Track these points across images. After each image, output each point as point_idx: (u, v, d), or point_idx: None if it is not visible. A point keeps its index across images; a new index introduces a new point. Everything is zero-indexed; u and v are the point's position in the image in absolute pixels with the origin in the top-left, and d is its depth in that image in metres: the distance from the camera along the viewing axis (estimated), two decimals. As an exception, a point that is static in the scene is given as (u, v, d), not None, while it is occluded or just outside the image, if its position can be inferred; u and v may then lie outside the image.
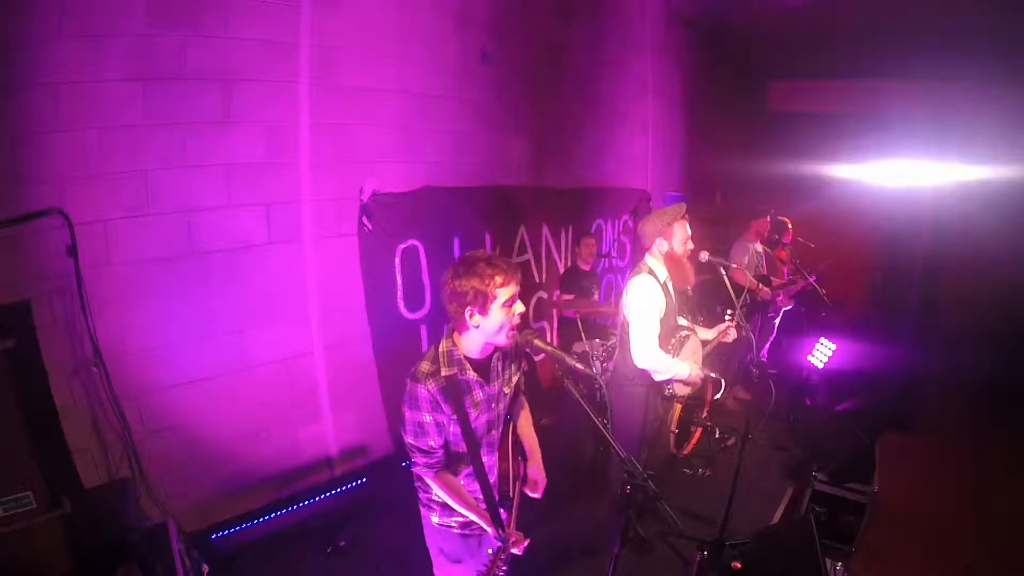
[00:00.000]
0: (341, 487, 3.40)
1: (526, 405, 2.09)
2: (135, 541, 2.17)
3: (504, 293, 1.63)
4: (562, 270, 5.05)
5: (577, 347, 4.18)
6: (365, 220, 3.48)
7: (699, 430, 4.14)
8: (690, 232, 2.77)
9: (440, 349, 1.73)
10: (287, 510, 3.18)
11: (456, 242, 4.08)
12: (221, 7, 2.78)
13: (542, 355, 4.65)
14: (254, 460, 3.16)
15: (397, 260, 3.69)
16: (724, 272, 2.91)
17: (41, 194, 2.36)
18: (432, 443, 1.73)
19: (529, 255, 4.86)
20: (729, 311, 3.08)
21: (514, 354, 1.89)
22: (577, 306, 4.33)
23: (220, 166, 2.90)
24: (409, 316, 3.80)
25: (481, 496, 1.80)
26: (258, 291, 3.11)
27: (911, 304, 7.47)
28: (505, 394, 1.87)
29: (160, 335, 2.78)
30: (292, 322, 3.29)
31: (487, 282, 1.61)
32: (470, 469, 1.80)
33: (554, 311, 5.10)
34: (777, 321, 5.48)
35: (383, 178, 3.56)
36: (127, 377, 2.64)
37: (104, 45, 2.45)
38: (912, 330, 7.03)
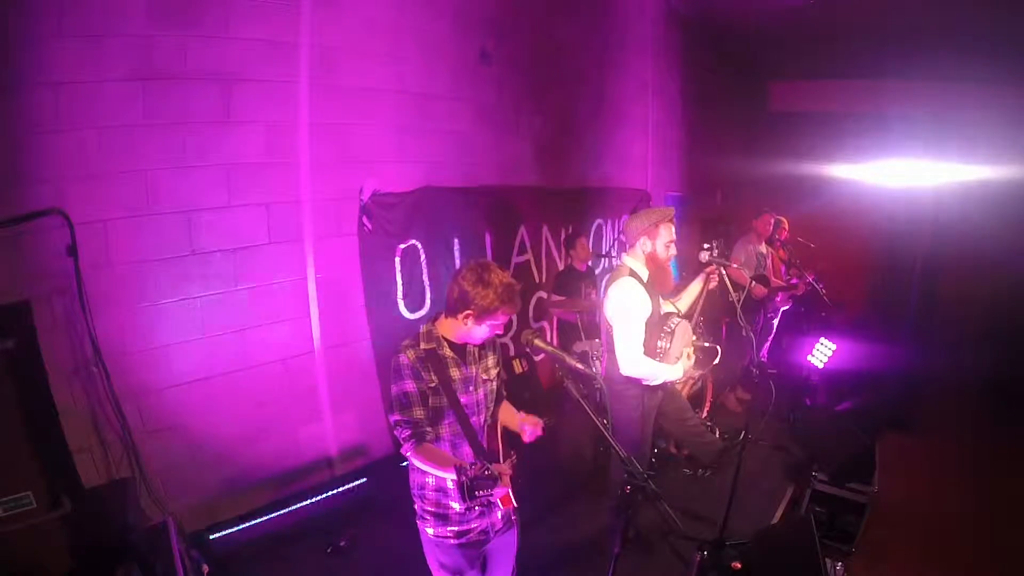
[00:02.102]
0: (341, 487, 3.40)
1: (505, 399, 2.08)
2: (135, 541, 2.17)
3: (500, 317, 1.76)
4: (562, 270, 5.04)
5: (577, 347, 4.17)
6: (365, 220, 3.48)
7: (699, 430, 4.14)
8: (675, 236, 2.69)
9: (421, 330, 1.86)
10: (287, 510, 3.18)
11: (456, 242, 4.08)
12: (221, 7, 2.78)
13: (542, 355, 4.65)
14: (254, 460, 3.16)
15: (397, 260, 3.69)
16: (723, 271, 2.91)
17: (41, 194, 2.36)
18: (417, 413, 1.76)
19: (529, 255, 4.86)
20: (706, 244, 2.87)
21: (489, 343, 1.95)
22: (566, 307, 4.33)
23: (220, 166, 2.90)
24: (409, 316, 3.80)
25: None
26: (258, 291, 3.11)
27: (911, 304, 7.48)
28: (483, 380, 1.89)
29: (160, 335, 2.78)
30: (292, 322, 3.28)
31: (496, 306, 1.73)
32: (462, 439, 1.83)
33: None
34: (776, 321, 5.48)
35: (383, 178, 3.56)
36: (127, 377, 2.64)
37: (104, 45, 2.45)
38: (912, 330, 7.04)
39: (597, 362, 3.94)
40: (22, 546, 1.96)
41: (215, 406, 2.98)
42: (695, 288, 2.94)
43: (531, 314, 4.93)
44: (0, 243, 2.26)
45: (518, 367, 4.40)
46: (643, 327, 2.58)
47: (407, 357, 1.77)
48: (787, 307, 5.43)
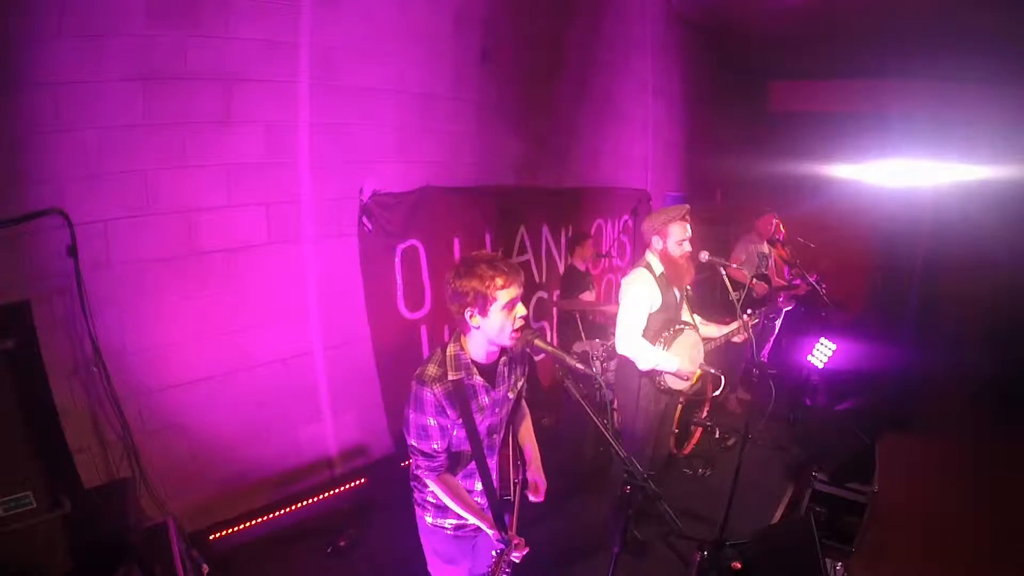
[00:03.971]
0: (341, 487, 3.40)
1: (527, 412, 2.08)
2: (135, 541, 2.17)
3: (504, 295, 1.62)
4: (562, 270, 5.05)
5: (577, 347, 4.18)
6: (365, 220, 3.48)
7: (699, 430, 4.15)
8: (690, 233, 2.77)
9: (448, 353, 1.71)
10: (287, 510, 3.18)
11: (456, 242, 4.08)
12: (221, 7, 2.78)
13: (542, 355, 4.65)
14: (254, 460, 3.16)
15: (397, 260, 3.69)
16: (723, 271, 2.91)
17: (41, 194, 2.36)
18: (435, 446, 1.72)
19: (529, 255, 4.86)
20: (750, 310, 3.13)
21: (520, 359, 1.89)
22: (577, 305, 4.34)
23: (220, 166, 2.90)
24: (409, 316, 3.80)
25: (484, 498, 1.80)
26: (258, 291, 3.11)
27: (911, 304, 7.47)
28: (509, 399, 1.87)
29: (160, 335, 2.77)
30: (292, 322, 3.29)
31: (487, 283, 1.60)
32: (472, 467, 1.81)
33: (554, 311, 5.11)
34: (779, 322, 5.48)
35: (383, 178, 3.56)
36: (127, 377, 2.64)
37: (104, 45, 2.45)
38: (912, 330, 7.04)
39: (597, 362, 3.95)
40: (22, 546, 1.96)
41: (215, 406, 2.98)
42: (724, 330, 3.09)
43: (531, 314, 4.94)
44: (0, 243, 2.26)
45: (518, 367, 4.41)
46: (644, 313, 2.75)
47: (431, 394, 1.64)
48: (790, 308, 5.42)
